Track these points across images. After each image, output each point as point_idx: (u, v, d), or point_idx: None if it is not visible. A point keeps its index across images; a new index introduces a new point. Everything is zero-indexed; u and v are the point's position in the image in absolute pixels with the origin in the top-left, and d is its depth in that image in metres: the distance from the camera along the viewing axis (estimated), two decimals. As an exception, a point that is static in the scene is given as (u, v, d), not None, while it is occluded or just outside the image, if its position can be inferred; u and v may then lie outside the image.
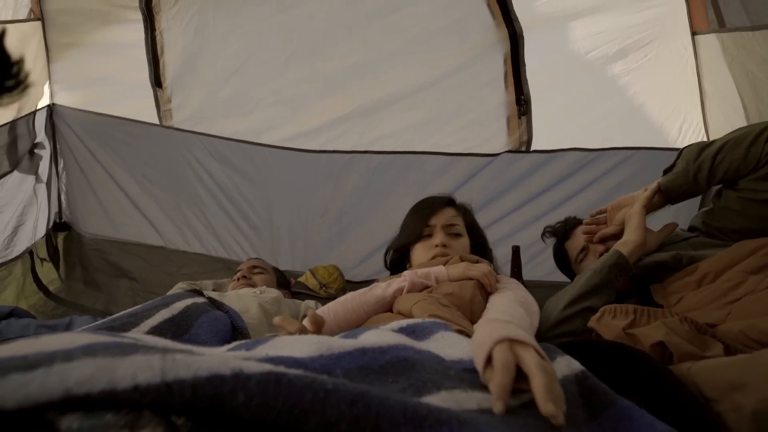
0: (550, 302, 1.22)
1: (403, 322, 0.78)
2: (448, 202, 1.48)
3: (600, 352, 0.79)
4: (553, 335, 1.12)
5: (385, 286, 1.18)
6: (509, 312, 0.99)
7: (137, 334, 0.74)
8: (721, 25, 1.51)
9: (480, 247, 1.48)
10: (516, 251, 1.67)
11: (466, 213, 1.49)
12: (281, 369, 0.41)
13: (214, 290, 1.87)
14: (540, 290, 1.78)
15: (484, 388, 0.57)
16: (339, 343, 0.59)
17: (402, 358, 0.59)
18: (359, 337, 0.67)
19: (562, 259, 1.60)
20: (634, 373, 0.76)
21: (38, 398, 0.34)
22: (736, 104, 1.62)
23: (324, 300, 2.12)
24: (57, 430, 0.33)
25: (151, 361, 0.38)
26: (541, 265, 2.14)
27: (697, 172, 1.24)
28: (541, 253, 2.16)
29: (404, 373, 0.57)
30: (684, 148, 1.32)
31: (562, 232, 1.60)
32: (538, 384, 0.54)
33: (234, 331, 1.14)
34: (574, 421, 0.55)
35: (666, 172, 1.33)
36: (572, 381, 0.61)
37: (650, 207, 1.30)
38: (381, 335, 0.68)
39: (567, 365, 0.64)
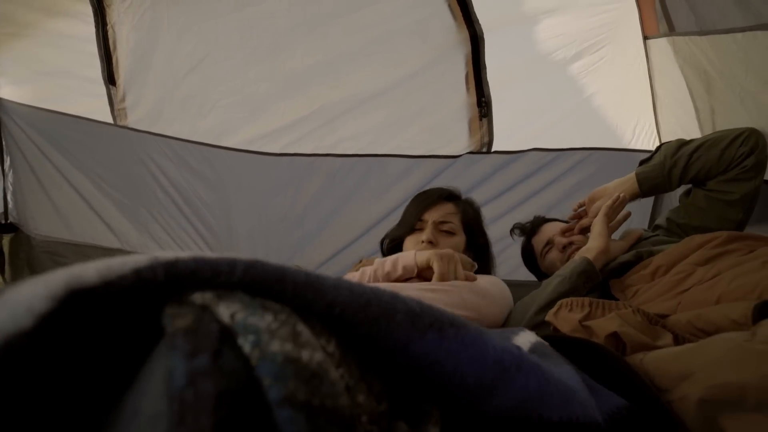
0: (518, 308, 1.23)
1: None
2: (447, 196, 1.41)
3: (559, 345, 0.80)
4: None
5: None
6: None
7: None
8: (671, 29, 1.57)
9: (480, 249, 1.43)
10: None
11: (466, 211, 1.42)
12: None
13: None
14: (501, 288, 1.81)
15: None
16: None
17: None
18: None
19: (529, 255, 1.66)
20: (591, 364, 0.77)
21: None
22: (687, 106, 1.68)
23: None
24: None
25: None
26: (502, 265, 2.15)
27: (672, 167, 1.28)
28: (503, 252, 2.18)
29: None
30: (663, 143, 1.36)
31: (530, 229, 1.65)
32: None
33: None
34: (558, 361, 0.60)
35: (642, 163, 1.38)
36: (545, 344, 0.66)
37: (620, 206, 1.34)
38: None
39: (534, 335, 0.70)
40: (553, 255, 1.53)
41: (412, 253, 1.19)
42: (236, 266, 0.32)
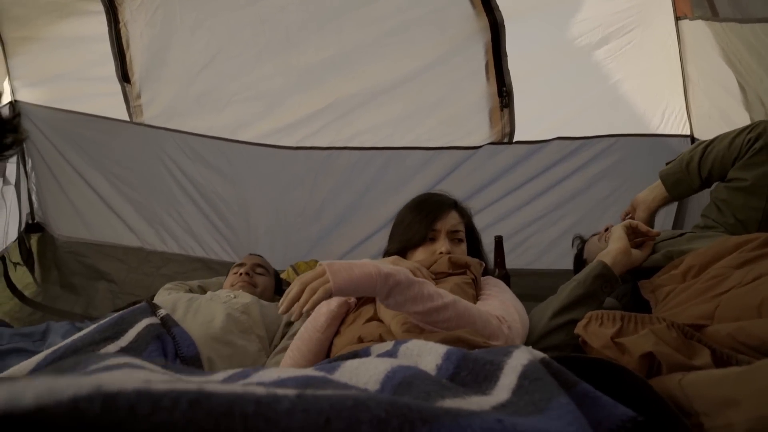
0: (535, 312, 1.20)
1: (382, 347, 0.76)
2: (454, 205, 1.39)
3: (583, 367, 0.77)
4: (539, 348, 1.10)
5: (327, 301, 1.15)
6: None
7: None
8: (714, 14, 1.48)
9: (475, 249, 1.43)
10: (499, 241, 1.65)
11: (466, 216, 1.42)
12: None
13: (199, 286, 1.83)
14: (524, 278, 1.79)
15: (473, 392, 0.58)
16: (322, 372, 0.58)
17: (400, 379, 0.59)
18: (341, 369, 0.65)
19: (579, 258, 1.66)
20: (617, 388, 0.75)
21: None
22: (729, 86, 1.57)
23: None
24: None
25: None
26: (524, 254, 2.14)
27: (689, 162, 1.34)
28: (525, 242, 2.15)
29: (406, 392, 0.56)
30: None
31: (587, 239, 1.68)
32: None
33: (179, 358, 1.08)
34: (548, 389, 0.56)
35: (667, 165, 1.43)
36: (541, 363, 0.62)
37: (655, 207, 1.41)
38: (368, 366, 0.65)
39: (529, 352, 0.65)
40: (593, 243, 1.55)
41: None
42: (180, 401, 0.32)
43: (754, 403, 0.65)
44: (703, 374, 0.75)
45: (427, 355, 0.68)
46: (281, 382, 0.50)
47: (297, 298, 0.86)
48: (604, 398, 0.56)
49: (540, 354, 0.66)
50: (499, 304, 1.12)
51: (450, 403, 0.51)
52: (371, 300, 1.20)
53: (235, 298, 1.48)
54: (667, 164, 1.42)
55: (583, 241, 1.68)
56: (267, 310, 1.56)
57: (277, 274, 1.98)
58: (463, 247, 1.35)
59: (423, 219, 1.32)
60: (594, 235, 1.60)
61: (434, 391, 0.54)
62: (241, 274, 1.71)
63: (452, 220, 1.34)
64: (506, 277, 1.60)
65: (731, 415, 0.67)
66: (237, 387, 0.37)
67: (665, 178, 1.38)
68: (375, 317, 1.11)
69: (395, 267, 0.93)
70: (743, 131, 1.27)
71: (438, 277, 1.22)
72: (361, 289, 0.89)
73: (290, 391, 0.37)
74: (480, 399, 0.54)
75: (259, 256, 1.99)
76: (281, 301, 0.87)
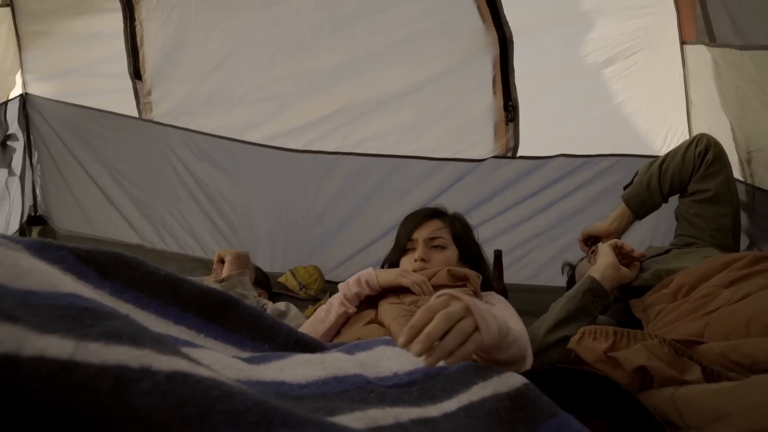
0: (533, 329, 1.22)
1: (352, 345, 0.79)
2: (432, 213, 1.46)
3: (573, 378, 0.78)
4: (535, 365, 1.11)
5: (327, 309, 1.23)
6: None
7: None
8: (711, 39, 1.51)
9: (473, 260, 1.45)
10: (498, 255, 1.66)
11: (454, 225, 1.46)
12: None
13: None
14: (522, 293, 1.80)
15: (406, 403, 0.60)
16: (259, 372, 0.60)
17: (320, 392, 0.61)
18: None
19: (570, 284, 1.67)
20: (604, 399, 0.76)
21: None
22: (722, 117, 1.62)
23: (304, 301, 2.09)
24: None
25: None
26: (523, 270, 2.14)
27: (648, 182, 1.46)
28: (525, 257, 2.15)
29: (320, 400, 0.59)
30: (639, 169, 1.54)
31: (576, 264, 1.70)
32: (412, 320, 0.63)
33: None
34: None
35: (625, 188, 1.54)
36: (503, 398, 0.63)
37: (620, 229, 1.50)
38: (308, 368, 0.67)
39: (504, 382, 0.65)
40: (583, 266, 1.56)
41: (371, 271, 1.25)
42: (39, 371, 0.33)
43: (746, 418, 0.66)
44: (695, 388, 0.76)
45: (389, 361, 0.71)
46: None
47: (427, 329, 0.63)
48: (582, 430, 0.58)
49: (516, 383, 0.65)
50: (509, 320, 1.13)
51: (355, 416, 0.53)
52: (372, 304, 1.21)
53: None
54: (624, 188, 1.53)
55: (572, 267, 1.70)
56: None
57: (262, 271, 2.01)
58: (447, 253, 1.38)
59: (404, 231, 1.43)
60: (582, 259, 1.62)
61: (345, 406, 0.56)
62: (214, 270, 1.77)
63: (430, 227, 1.40)
64: (504, 291, 1.61)
65: (722, 428, 0.68)
66: (113, 359, 0.37)
67: (629, 200, 1.49)
68: (375, 320, 1.12)
69: (488, 309, 0.74)
70: (690, 146, 1.42)
71: (439, 289, 1.23)
72: (492, 344, 0.72)
73: (166, 367, 0.38)
74: (407, 410, 0.58)
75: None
76: (405, 332, 0.64)
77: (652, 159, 1.54)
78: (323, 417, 0.48)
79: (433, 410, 0.59)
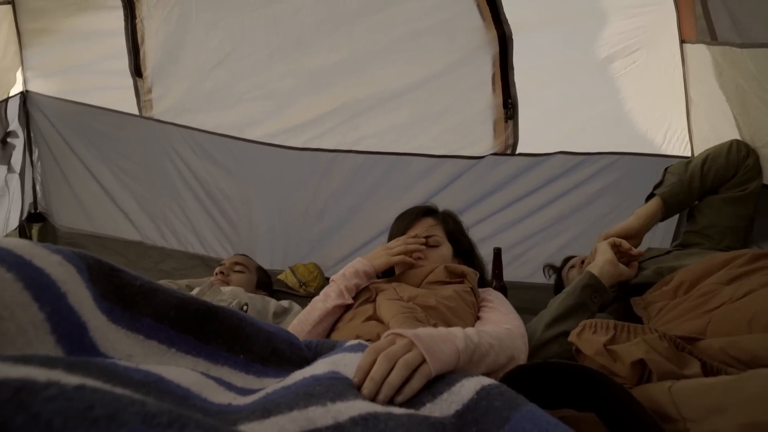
0: (531, 325, 1.22)
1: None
2: (425, 212, 1.47)
3: (564, 373, 0.78)
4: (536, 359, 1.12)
5: (324, 299, 1.23)
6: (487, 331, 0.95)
7: None
8: (713, 38, 1.51)
9: (466, 255, 1.46)
10: (497, 253, 1.67)
11: (447, 221, 1.47)
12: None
13: (187, 286, 1.84)
14: (521, 291, 1.80)
15: (351, 398, 0.59)
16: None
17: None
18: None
19: (560, 290, 1.66)
20: (596, 394, 0.76)
21: None
22: (726, 112, 1.62)
23: (303, 298, 2.10)
24: None
25: None
26: (522, 267, 2.14)
27: (690, 182, 1.46)
28: (523, 255, 2.16)
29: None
30: (666, 168, 1.55)
31: (560, 266, 1.71)
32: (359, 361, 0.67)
33: None
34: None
35: (656, 187, 1.52)
36: (450, 419, 0.61)
37: (650, 223, 1.46)
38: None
39: (455, 398, 0.64)
40: (574, 272, 1.56)
41: (364, 261, 1.28)
42: None
43: (742, 411, 0.66)
44: (692, 382, 0.76)
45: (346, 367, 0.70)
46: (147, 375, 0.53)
47: (371, 373, 0.66)
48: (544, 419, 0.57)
49: (473, 388, 0.64)
50: (504, 316, 1.14)
51: (293, 416, 0.53)
52: (370, 299, 1.22)
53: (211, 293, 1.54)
54: (656, 187, 1.51)
55: (554, 270, 1.72)
56: (252, 301, 1.64)
57: (264, 270, 2.04)
58: (441, 250, 1.39)
59: (397, 230, 1.45)
60: (571, 267, 1.62)
61: (285, 403, 0.56)
62: (217, 273, 1.82)
63: (423, 225, 1.42)
64: (503, 289, 1.62)
65: (718, 421, 0.68)
66: (15, 374, 0.37)
67: (668, 197, 1.46)
68: (374, 316, 1.13)
69: (455, 331, 0.81)
70: (731, 149, 1.46)
71: (436, 285, 1.24)
72: (448, 369, 0.73)
73: (76, 381, 0.38)
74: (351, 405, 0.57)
75: (243, 255, 2.03)
76: (355, 374, 0.66)
77: (683, 159, 1.56)
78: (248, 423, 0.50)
79: (379, 408, 0.59)
